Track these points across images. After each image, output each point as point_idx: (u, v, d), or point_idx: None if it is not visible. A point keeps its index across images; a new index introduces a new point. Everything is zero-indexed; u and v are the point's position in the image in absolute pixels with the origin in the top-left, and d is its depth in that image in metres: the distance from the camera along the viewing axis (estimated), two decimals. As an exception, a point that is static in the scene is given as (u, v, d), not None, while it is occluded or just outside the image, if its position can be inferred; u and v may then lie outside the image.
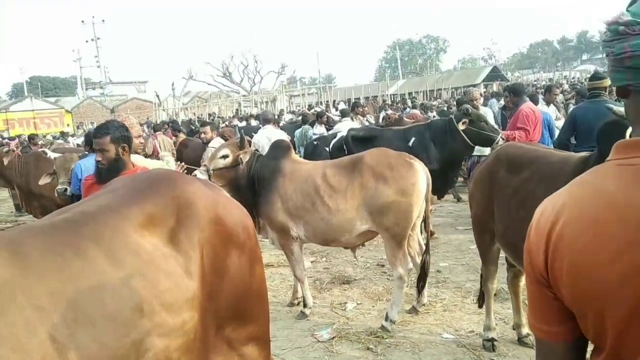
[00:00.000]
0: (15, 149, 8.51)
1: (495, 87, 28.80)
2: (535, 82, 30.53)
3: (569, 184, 1.01)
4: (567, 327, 1.02)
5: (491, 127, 5.61)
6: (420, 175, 3.98)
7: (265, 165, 4.32)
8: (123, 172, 3.10)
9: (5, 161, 7.57)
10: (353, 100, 14.63)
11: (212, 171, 4.33)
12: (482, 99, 8.53)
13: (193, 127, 15.46)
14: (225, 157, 4.39)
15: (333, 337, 3.95)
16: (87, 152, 5.35)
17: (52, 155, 7.19)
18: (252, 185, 4.34)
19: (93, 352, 1.32)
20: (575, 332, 1.02)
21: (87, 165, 5.31)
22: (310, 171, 4.21)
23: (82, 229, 1.52)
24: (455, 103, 11.69)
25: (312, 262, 5.83)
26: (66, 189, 5.25)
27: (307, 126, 9.94)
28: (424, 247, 4.35)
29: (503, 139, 5.33)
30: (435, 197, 5.72)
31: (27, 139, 13.51)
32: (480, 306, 3.72)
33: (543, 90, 9.69)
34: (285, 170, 4.24)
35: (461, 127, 5.41)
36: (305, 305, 4.44)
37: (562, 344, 1.04)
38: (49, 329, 1.27)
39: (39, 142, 12.15)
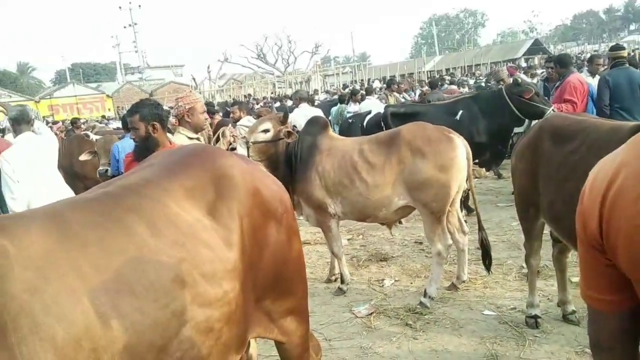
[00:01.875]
0: (58, 132, 8.78)
1: (536, 60, 27.79)
2: (579, 55, 29.27)
3: (624, 145, 0.95)
4: (623, 295, 0.97)
5: (543, 99, 5.42)
6: (460, 149, 3.87)
7: (303, 142, 4.28)
8: (156, 149, 3.14)
9: None
10: (388, 78, 14.43)
11: (251, 144, 4.28)
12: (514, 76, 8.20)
13: (228, 109, 15.61)
14: (266, 131, 4.33)
15: (371, 313, 3.94)
16: (125, 134, 5.51)
17: (94, 137, 7.42)
18: (289, 161, 4.32)
19: (135, 321, 1.34)
20: (632, 301, 0.97)
21: (125, 145, 5.45)
22: (347, 147, 4.16)
23: (124, 202, 1.54)
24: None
25: (348, 239, 5.82)
26: (107, 170, 5.44)
27: (343, 105, 9.95)
28: (464, 224, 4.26)
29: (554, 112, 5.14)
30: (483, 169, 5.60)
31: (70, 123, 13.94)
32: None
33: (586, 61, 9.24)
34: (323, 146, 4.21)
35: (526, 97, 5.25)
36: (342, 282, 4.44)
37: (617, 313, 0.99)
38: (92, 298, 1.30)
39: (82, 126, 12.52)
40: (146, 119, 3.10)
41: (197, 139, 3.60)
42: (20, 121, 4.48)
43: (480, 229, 4.07)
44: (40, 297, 1.21)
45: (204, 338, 1.51)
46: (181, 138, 3.47)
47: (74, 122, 12.96)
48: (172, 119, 3.77)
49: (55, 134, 8.39)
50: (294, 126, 4.86)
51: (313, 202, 4.24)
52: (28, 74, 59.38)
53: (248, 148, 4.25)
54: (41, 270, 1.25)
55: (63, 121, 19.55)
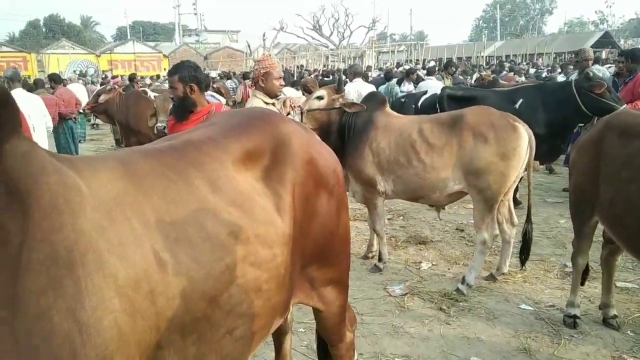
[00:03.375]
0: (116, 87, 9.07)
1: (604, 54, 26.35)
2: (652, 52, 27.50)
3: None
4: None
5: (614, 95, 5.13)
6: (524, 139, 3.76)
7: (358, 116, 4.21)
8: (195, 110, 3.24)
9: (103, 98, 8.08)
10: (445, 60, 14.06)
11: (305, 111, 4.27)
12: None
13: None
14: (320, 98, 4.30)
15: (405, 294, 3.96)
16: None
17: (152, 94, 7.63)
18: (342, 133, 4.27)
19: (190, 269, 1.41)
20: None
21: None
22: (405, 125, 4.07)
23: (187, 155, 1.60)
24: (559, 66, 10.83)
25: (388, 219, 5.82)
26: (165, 127, 5.62)
27: (392, 82, 9.75)
28: (514, 215, 4.17)
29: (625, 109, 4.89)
30: (537, 163, 5.41)
31: (128, 78, 14.36)
32: (582, 284, 3.48)
33: None
34: (379, 122, 4.14)
35: (597, 92, 5.00)
36: (380, 260, 4.46)
37: None
38: (152, 243, 1.36)
39: (139, 82, 12.89)
40: (185, 80, 3.20)
41: (272, 104, 3.58)
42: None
43: (528, 221, 3.97)
44: (106, 237, 1.29)
45: (252, 296, 1.57)
46: (257, 102, 3.49)
47: (132, 77, 13.35)
48: (248, 82, 3.85)
49: (114, 87, 8.67)
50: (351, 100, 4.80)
51: (363, 178, 4.21)
52: (91, 28, 61.24)
53: (302, 114, 4.22)
54: (109, 211, 1.32)
55: (122, 76, 20.14)
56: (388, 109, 4.36)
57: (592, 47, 31.42)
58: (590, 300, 3.75)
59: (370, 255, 4.73)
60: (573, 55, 15.30)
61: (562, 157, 7.30)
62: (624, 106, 4.96)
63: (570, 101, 5.15)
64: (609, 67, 11.46)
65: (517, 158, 3.73)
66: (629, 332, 3.33)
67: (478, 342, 3.28)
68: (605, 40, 33.41)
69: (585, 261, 3.37)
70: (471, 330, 3.41)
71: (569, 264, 3.83)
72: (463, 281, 3.95)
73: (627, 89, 5.41)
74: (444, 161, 3.85)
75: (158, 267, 1.35)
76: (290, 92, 6.32)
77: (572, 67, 10.92)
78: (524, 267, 4.09)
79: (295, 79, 13.63)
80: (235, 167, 1.66)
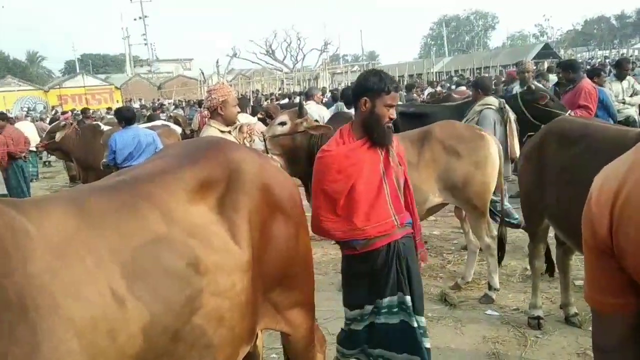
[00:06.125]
0: (70, 122, 8.86)
1: (546, 64, 27.63)
2: (589, 60, 29.10)
3: (631, 151, 0.97)
4: (628, 299, 0.98)
5: (558, 104, 5.38)
6: (493, 146, 3.90)
7: (327, 137, 4.24)
8: None
9: (59, 136, 7.87)
10: (396, 78, 14.43)
11: (268, 137, 4.24)
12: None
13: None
14: (282, 124, 4.30)
15: (374, 310, 3.97)
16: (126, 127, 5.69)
17: (104, 128, 7.51)
18: (310, 155, 4.27)
19: (150, 304, 1.39)
20: (637, 305, 0.98)
21: (123, 137, 5.57)
22: None
23: (139, 189, 1.58)
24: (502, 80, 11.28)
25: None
26: (109, 162, 5.59)
27: (340, 103, 9.94)
28: (492, 227, 4.27)
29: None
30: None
31: (80, 112, 14.05)
32: (551, 275, 3.68)
33: (614, 65, 8.88)
34: None
35: (541, 103, 5.20)
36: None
37: (621, 316, 1.00)
38: (108, 280, 1.34)
39: (93, 115, 12.63)
40: None
41: (229, 132, 3.57)
42: None
43: (501, 223, 4.09)
44: (60, 278, 1.26)
45: (215, 326, 1.55)
46: (212, 131, 3.46)
47: (85, 111, 13.08)
48: (204, 111, 3.81)
49: (68, 123, 8.47)
50: (315, 120, 4.83)
51: None
52: (37, 63, 59.68)
53: (265, 142, 4.21)
54: (61, 252, 1.30)
55: (72, 111, 19.67)
56: None
57: (533, 58, 32.92)
58: (551, 300, 3.87)
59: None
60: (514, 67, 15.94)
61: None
62: (569, 112, 5.21)
63: (517, 113, 5.36)
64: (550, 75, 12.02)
65: (490, 164, 3.85)
66: (590, 328, 3.43)
67: (449, 351, 3.31)
68: (546, 52, 35.14)
69: (541, 263, 3.50)
70: (441, 341, 3.44)
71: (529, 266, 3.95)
72: (490, 287, 3.99)
73: (569, 98, 5.68)
74: (420, 176, 3.88)
75: (116, 304, 1.33)
76: (244, 119, 6.31)
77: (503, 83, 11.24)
78: (500, 266, 4.19)
79: (252, 104, 13.66)
80: (189, 197, 1.66)
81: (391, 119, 2.48)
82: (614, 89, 6.65)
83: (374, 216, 2.48)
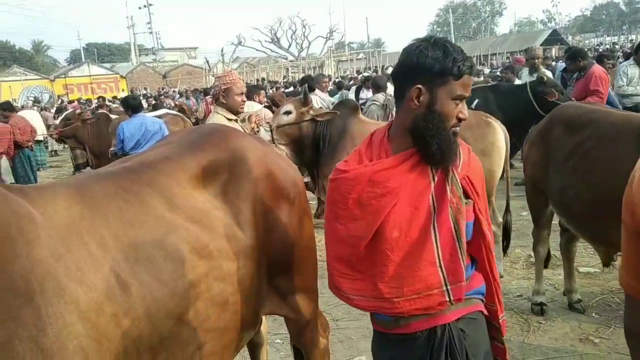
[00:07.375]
0: (84, 110, 8.95)
1: (554, 51, 27.39)
2: (597, 47, 28.78)
3: None
4: None
5: (566, 95, 5.36)
6: (499, 133, 3.88)
7: (332, 126, 4.19)
8: None
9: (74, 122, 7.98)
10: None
11: (274, 127, 4.22)
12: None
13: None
14: (288, 113, 4.27)
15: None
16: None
17: (113, 117, 7.58)
18: (316, 144, 4.25)
19: (154, 289, 1.41)
20: None
21: (130, 126, 5.61)
22: None
23: (142, 176, 1.60)
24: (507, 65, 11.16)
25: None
26: (116, 151, 5.64)
27: (345, 91, 9.97)
28: (497, 214, 4.27)
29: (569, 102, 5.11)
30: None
31: (85, 102, 14.12)
32: (546, 266, 3.66)
33: (635, 49, 8.67)
34: (354, 130, 4.12)
35: (550, 99, 5.20)
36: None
37: None
38: (112, 265, 1.36)
39: (109, 104, 12.76)
40: None
41: (235, 120, 3.50)
42: None
43: (507, 211, 4.07)
44: (64, 263, 1.27)
45: (219, 311, 1.57)
46: (219, 118, 3.41)
47: (100, 99, 13.19)
48: (209, 98, 3.80)
49: (80, 112, 8.56)
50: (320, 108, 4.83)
51: None
52: (43, 52, 59.75)
53: (272, 131, 4.19)
54: (65, 237, 1.31)
55: (78, 99, 19.74)
56: (361, 115, 4.38)
57: (541, 44, 32.62)
58: (555, 287, 3.87)
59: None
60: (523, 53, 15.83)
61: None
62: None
63: (526, 103, 5.34)
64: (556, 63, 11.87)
65: (497, 152, 3.84)
66: (593, 314, 3.45)
67: (451, 337, 3.33)
68: (554, 38, 34.79)
69: (545, 250, 3.50)
70: (444, 327, 3.46)
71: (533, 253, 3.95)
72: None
73: (579, 85, 5.63)
74: None
75: (120, 289, 1.35)
76: (256, 107, 6.30)
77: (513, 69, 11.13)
78: (506, 254, 4.18)
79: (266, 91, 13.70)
80: (193, 184, 1.67)
81: (460, 119, 1.51)
82: (629, 74, 6.51)
83: (409, 282, 1.48)
